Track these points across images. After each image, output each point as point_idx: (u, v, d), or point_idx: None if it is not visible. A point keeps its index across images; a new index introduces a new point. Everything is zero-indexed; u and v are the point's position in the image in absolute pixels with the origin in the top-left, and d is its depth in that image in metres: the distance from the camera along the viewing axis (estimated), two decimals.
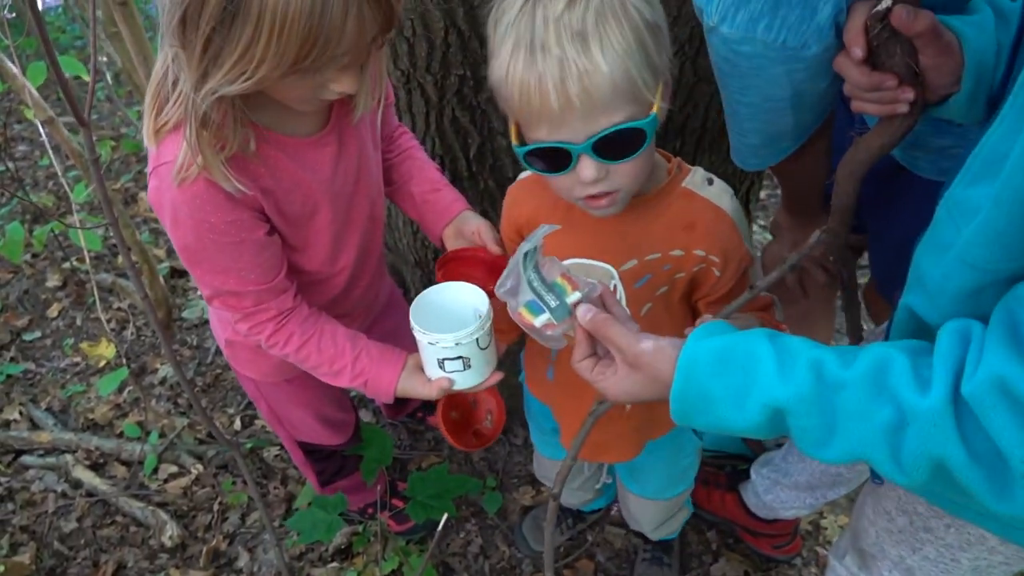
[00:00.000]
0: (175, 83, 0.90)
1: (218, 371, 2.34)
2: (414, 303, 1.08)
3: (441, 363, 1.08)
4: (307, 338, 1.13)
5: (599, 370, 0.83)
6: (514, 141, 0.92)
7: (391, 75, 1.44)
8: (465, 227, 1.23)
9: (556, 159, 0.88)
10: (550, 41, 0.80)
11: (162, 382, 2.32)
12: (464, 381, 1.11)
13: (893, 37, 0.77)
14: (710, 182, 1.02)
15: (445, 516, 1.19)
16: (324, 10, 0.77)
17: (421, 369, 1.13)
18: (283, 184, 1.03)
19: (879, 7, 0.76)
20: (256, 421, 2.17)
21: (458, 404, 1.31)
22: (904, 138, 0.86)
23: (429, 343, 1.05)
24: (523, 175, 1.15)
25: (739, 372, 0.72)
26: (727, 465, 1.87)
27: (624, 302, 1.06)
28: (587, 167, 0.87)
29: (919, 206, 0.89)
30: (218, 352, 2.41)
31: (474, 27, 1.36)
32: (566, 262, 1.04)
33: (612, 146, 0.86)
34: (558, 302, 0.83)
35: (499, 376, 1.13)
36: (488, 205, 1.60)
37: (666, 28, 0.88)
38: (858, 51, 0.79)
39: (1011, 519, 0.80)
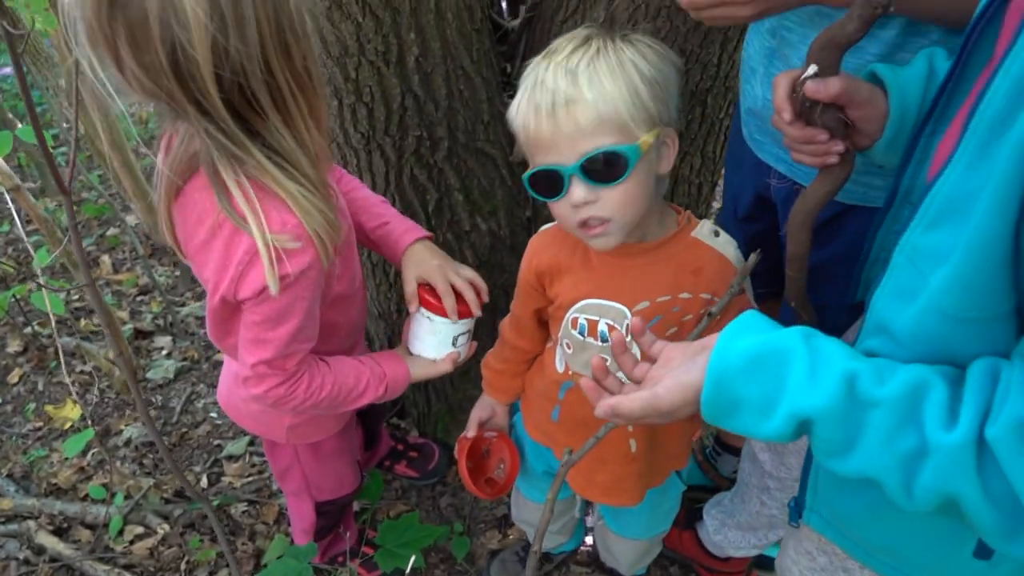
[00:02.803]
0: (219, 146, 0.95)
1: (184, 430, 2.35)
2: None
3: (455, 340, 1.30)
4: (321, 376, 1.20)
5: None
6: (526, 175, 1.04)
7: (351, 138, 1.53)
8: (424, 269, 1.29)
9: (551, 182, 1.00)
10: (548, 78, 0.96)
11: (127, 443, 2.32)
12: (465, 350, 1.34)
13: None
14: (716, 234, 1.12)
15: (412, 559, 1.23)
16: None
17: (413, 356, 1.32)
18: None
19: (805, 73, 0.84)
20: (223, 478, 2.18)
21: (472, 454, 1.39)
22: (844, 185, 0.93)
23: (453, 323, 1.27)
24: (545, 227, 1.25)
25: (770, 378, 0.69)
26: (685, 501, 1.93)
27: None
28: (577, 189, 0.98)
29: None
30: (183, 411, 2.42)
31: (428, 91, 1.46)
32: (583, 303, 1.14)
33: (598, 168, 0.96)
34: None
35: (474, 344, 1.37)
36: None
37: (671, 86, 1.00)
38: (786, 114, 0.88)
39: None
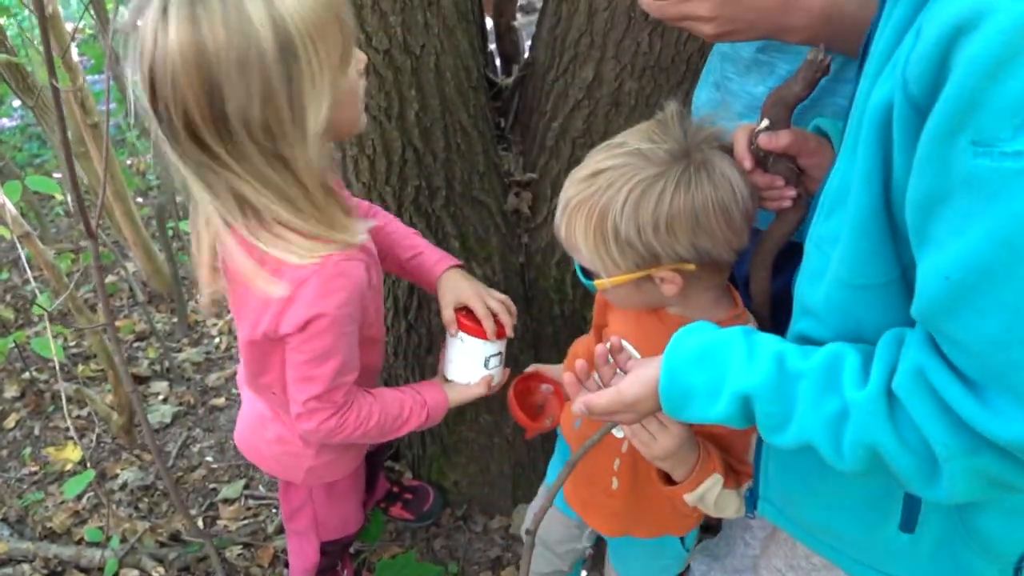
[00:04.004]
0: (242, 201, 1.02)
1: (179, 474, 2.37)
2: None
3: (487, 361, 1.36)
4: (368, 404, 1.26)
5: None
6: None
7: (353, 187, 1.60)
8: (461, 295, 1.35)
9: None
10: (561, 192, 1.06)
11: (123, 487, 2.34)
12: (499, 374, 1.41)
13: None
14: None
15: None
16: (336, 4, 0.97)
17: (449, 382, 1.38)
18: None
19: (759, 127, 0.95)
20: (219, 521, 2.19)
21: (527, 408, 1.45)
22: (799, 226, 1.02)
23: (485, 343, 1.33)
24: None
25: (715, 366, 0.79)
26: None
27: None
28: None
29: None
30: (179, 455, 2.44)
31: (427, 144, 1.54)
32: (615, 340, 1.21)
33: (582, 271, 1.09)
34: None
35: (507, 371, 1.43)
36: None
37: (648, 247, 0.99)
38: (747, 163, 0.97)
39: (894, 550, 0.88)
